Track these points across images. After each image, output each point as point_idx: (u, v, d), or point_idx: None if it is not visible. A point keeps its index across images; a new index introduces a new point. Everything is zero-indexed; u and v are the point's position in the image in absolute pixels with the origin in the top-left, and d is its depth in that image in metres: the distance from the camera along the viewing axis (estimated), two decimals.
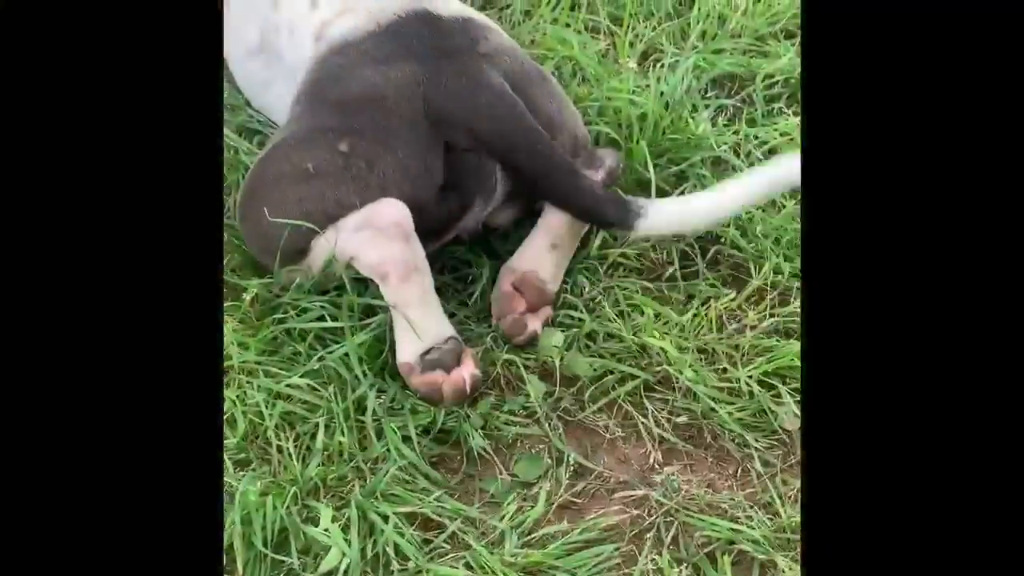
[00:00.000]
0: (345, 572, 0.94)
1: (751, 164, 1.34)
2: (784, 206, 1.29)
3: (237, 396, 1.06)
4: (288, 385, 1.07)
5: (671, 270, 1.22)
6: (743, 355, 1.14)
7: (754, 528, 1.00)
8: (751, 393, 1.10)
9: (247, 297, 1.12)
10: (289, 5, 1.24)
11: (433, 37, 1.14)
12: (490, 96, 1.11)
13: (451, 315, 1.16)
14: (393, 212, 1.06)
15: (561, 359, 1.13)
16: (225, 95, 1.43)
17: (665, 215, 1.12)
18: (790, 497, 1.03)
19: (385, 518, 0.97)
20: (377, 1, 1.17)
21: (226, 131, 1.36)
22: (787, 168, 1.12)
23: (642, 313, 1.17)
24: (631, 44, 1.52)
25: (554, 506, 1.02)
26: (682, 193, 1.28)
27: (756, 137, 1.39)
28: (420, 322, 1.08)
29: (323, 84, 1.14)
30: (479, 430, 1.07)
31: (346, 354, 1.08)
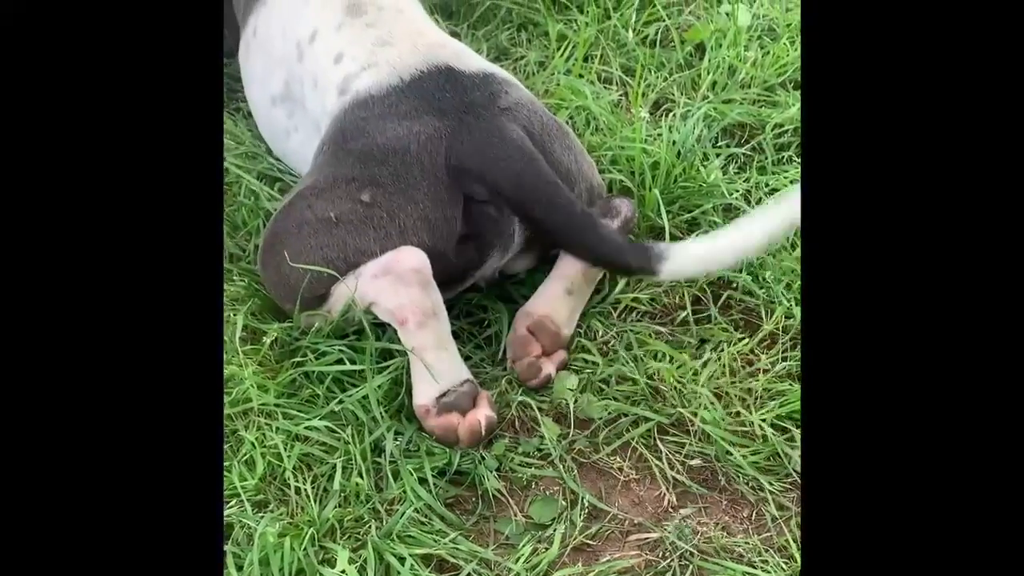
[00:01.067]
0: None
1: None
2: (795, 250, 1.30)
3: (256, 438, 1.07)
4: (307, 427, 1.08)
5: (683, 314, 1.23)
6: (756, 399, 1.15)
7: (769, 572, 1.00)
8: (765, 437, 1.10)
9: (267, 341, 1.15)
10: (314, 58, 1.28)
11: (455, 92, 1.17)
12: (509, 150, 1.13)
13: (467, 358, 1.17)
14: (412, 259, 1.08)
15: (575, 402, 1.14)
16: (247, 143, 1.48)
17: (691, 257, 1.12)
18: None
19: (401, 559, 0.98)
20: (400, 57, 1.21)
21: (248, 177, 1.40)
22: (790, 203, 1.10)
23: (655, 357, 1.18)
24: (643, 94, 1.55)
25: (569, 548, 1.02)
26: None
27: (767, 185, 1.41)
28: (436, 366, 1.09)
29: (347, 135, 1.17)
30: (494, 472, 1.08)
31: (364, 397, 1.10)
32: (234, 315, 1.18)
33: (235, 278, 1.26)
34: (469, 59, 1.24)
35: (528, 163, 1.13)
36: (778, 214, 1.10)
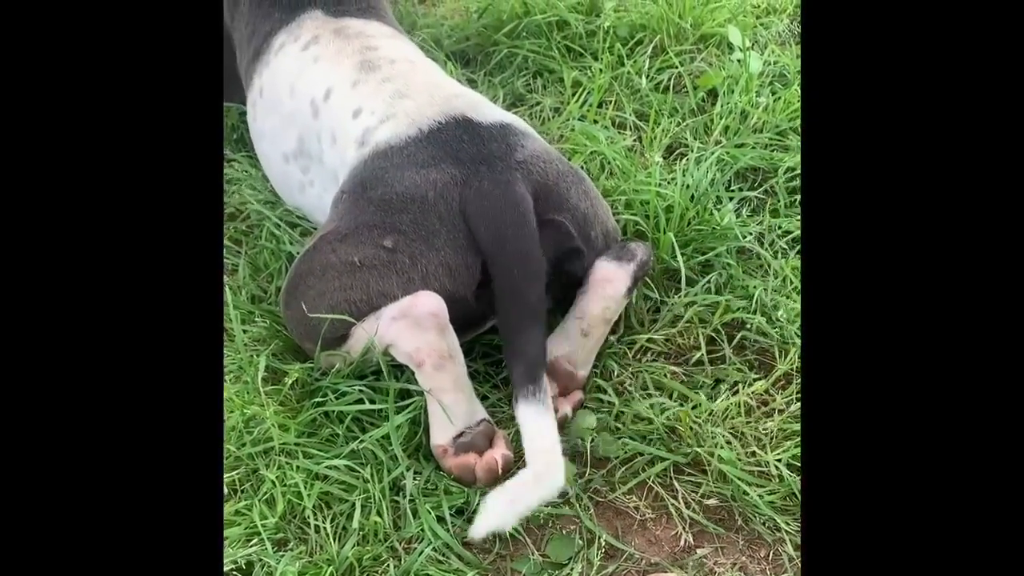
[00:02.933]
0: None
1: (775, 253, 1.38)
2: None
3: (277, 476, 1.09)
4: (327, 466, 1.10)
5: (698, 355, 1.25)
6: (772, 439, 1.16)
7: None
8: (781, 477, 1.11)
9: (288, 381, 1.16)
10: (331, 114, 1.31)
11: (472, 143, 1.19)
12: (505, 207, 1.14)
13: (484, 398, 1.19)
14: (430, 303, 1.10)
15: (592, 441, 1.15)
16: (267, 191, 1.51)
17: (533, 425, 1.06)
18: None
19: None
20: (418, 108, 1.24)
21: (269, 222, 1.43)
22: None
23: (671, 396, 1.19)
24: (657, 139, 1.58)
25: None
26: (709, 283, 1.31)
27: (779, 227, 1.43)
28: (453, 407, 1.11)
29: (367, 185, 1.20)
30: None
31: (384, 436, 1.11)
32: (256, 356, 1.20)
33: (257, 319, 1.28)
34: (486, 109, 1.27)
35: (513, 225, 1.13)
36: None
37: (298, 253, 1.36)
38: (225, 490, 1.10)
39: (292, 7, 1.43)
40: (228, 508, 1.07)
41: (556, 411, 1.17)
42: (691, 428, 1.15)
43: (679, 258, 1.30)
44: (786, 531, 1.07)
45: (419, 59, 1.39)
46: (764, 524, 1.09)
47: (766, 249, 1.39)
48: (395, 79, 1.30)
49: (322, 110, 1.33)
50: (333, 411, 1.15)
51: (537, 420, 1.06)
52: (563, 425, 1.17)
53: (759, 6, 2.00)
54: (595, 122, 1.62)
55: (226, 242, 1.44)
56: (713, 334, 1.27)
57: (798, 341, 1.24)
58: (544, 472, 1.02)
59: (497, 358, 1.26)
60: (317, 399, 1.17)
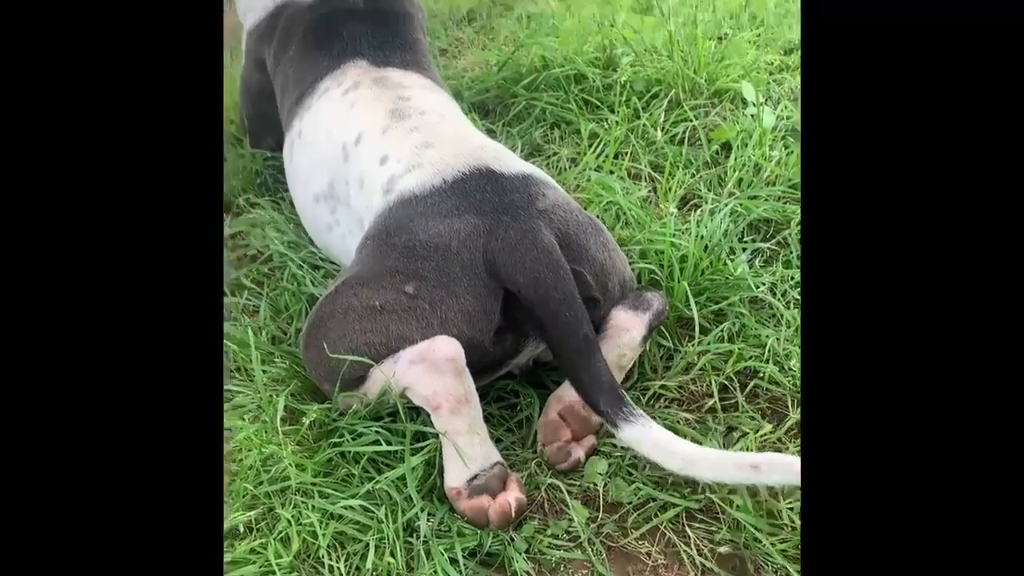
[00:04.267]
0: None
1: (788, 304, 1.40)
2: None
3: (292, 515, 1.10)
4: (342, 506, 1.11)
5: (711, 402, 1.26)
6: (784, 487, 1.16)
7: None
8: (793, 525, 1.11)
9: (306, 421, 1.18)
10: (360, 159, 1.35)
11: (495, 192, 1.22)
12: (537, 253, 1.16)
13: (498, 441, 1.20)
14: (448, 348, 1.12)
15: (604, 485, 1.16)
16: (290, 232, 1.55)
17: (647, 440, 1.09)
18: None
19: None
20: (443, 158, 1.27)
21: (292, 264, 1.46)
22: (784, 467, 1.04)
23: None
24: (671, 190, 1.61)
25: None
26: (722, 332, 1.33)
27: (792, 278, 1.45)
28: (468, 450, 1.12)
29: (391, 231, 1.23)
30: (523, 553, 1.09)
31: (399, 477, 1.12)
32: (276, 396, 1.22)
33: (276, 360, 1.31)
34: (509, 161, 1.31)
35: (550, 270, 1.16)
36: (752, 461, 1.05)
37: (320, 295, 1.39)
38: (240, 528, 1.11)
39: (339, 55, 1.48)
40: (243, 546, 1.08)
41: (569, 455, 1.19)
42: None
43: (693, 307, 1.32)
44: None
45: (450, 111, 1.43)
46: (776, 573, 1.09)
47: (778, 299, 1.40)
48: (423, 129, 1.34)
49: (352, 155, 1.37)
50: (349, 451, 1.17)
51: (652, 432, 1.09)
52: (576, 469, 1.19)
53: (772, 63, 2.04)
54: (611, 173, 1.65)
55: (248, 283, 1.47)
56: (726, 382, 1.28)
57: None
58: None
59: (512, 401, 1.28)
60: (334, 439, 1.18)
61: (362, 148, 1.35)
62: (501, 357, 1.20)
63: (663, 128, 1.78)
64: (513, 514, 1.11)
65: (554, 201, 1.24)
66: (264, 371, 1.27)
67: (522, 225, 1.18)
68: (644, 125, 1.78)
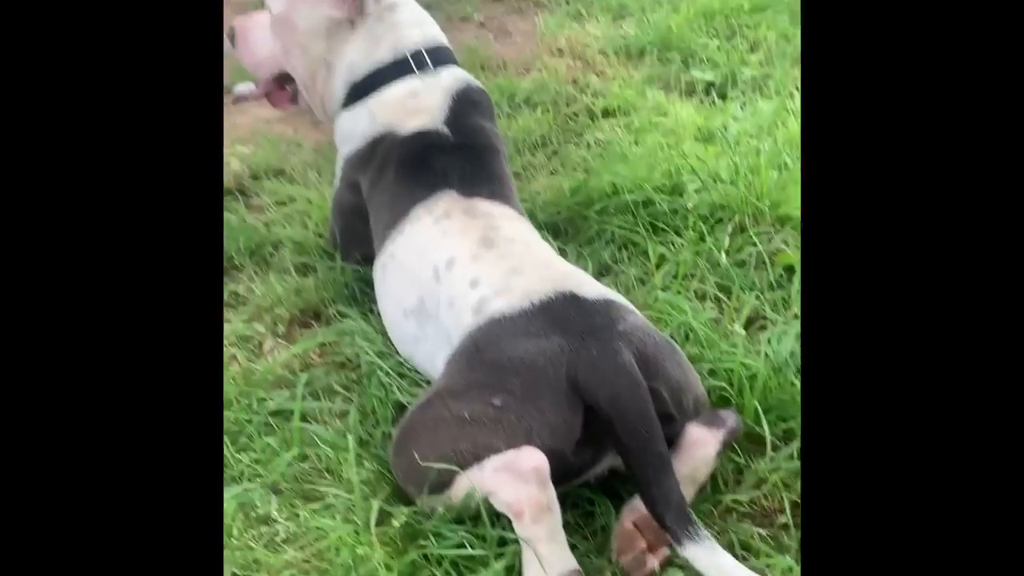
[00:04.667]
0: None
1: None
2: None
3: None
4: None
5: (783, 519, 1.30)
6: None
7: None
8: None
9: (396, 523, 1.25)
10: (451, 281, 1.47)
11: (578, 316, 1.32)
12: (618, 372, 1.24)
13: (573, 547, 1.24)
14: (533, 459, 1.19)
15: None
16: (379, 342, 1.64)
17: (710, 563, 1.14)
18: None
19: None
20: (530, 284, 1.38)
21: (380, 372, 1.55)
22: None
23: (757, 556, 1.24)
24: (738, 311, 1.68)
25: None
26: (792, 450, 1.37)
27: None
28: (547, 556, 1.18)
29: (481, 348, 1.33)
30: None
31: None
32: (370, 498, 1.29)
33: (365, 463, 1.38)
34: (591, 287, 1.41)
35: (629, 388, 1.23)
36: None
37: (406, 402, 1.48)
38: None
39: (431, 185, 1.61)
40: None
41: (644, 565, 1.23)
42: None
43: (764, 424, 1.37)
44: None
45: (535, 240, 1.56)
46: None
47: None
48: (511, 257, 1.45)
49: (443, 277, 1.48)
50: (434, 554, 1.23)
51: (716, 557, 1.14)
52: None
53: None
54: (679, 293, 1.73)
55: (338, 387, 1.56)
56: (797, 499, 1.32)
57: None
58: None
59: (588, 509, 1.33)
60: (419, 541, 1.24)
61: (454, 272, 1.47)
62: (580, 467, 1.27)
63: (728, 252, 1.86)
64: None
65: (633, 324, 1.33)
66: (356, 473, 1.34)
67: (604, 346, 1.26)
68: (710, 248, 1.87)
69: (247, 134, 2.58)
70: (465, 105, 1.73)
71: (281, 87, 1.91)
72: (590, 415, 1.24)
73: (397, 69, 1.72)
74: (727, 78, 2.86)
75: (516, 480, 1.19)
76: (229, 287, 1.85)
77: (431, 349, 1.49)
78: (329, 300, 1.79)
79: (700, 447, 1.29)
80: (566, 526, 1.26)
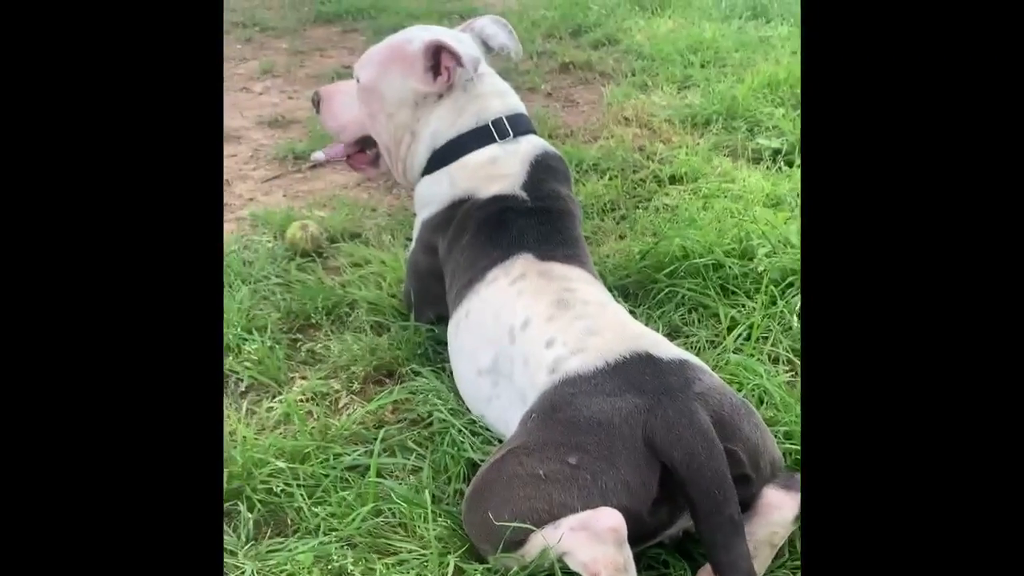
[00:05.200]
0: None
1: None
2: None
3: None
4: None
5: None
6: None
7: None
8: None
9: None
10: (526, 341, 1.49)
11: (654, 376, 1.33)
12: (694, 432, 1.24)
13: None
14: (610, 519, 1.19)
15: None
16: (452, 400, 1.67)
17: None
18: None
19: None
20: (606, 344, 1.40)
21: (453, 429, 1.57)
22: None
23: None
24: None
25: None
26: None
27: None
28: None
29: (556, 407, 1.34)
30: None
31: None
32: (445, 555, 1.29)
33: (439, 519, 1.39)
34: (666, 348, 1.42)
35: (705, 449, 1.23)
36: None
37: (478, 460, 1.49)
38: None
39: (508, 248, 1.65)
40: None
41: None
42: None
43: None
44: None
45: (609, 302, 1.58)
46: None
47: None
48: (586, 318, 1.47)
49: (518, 337, 1.50)
50: None
51: None
52: None
53: None
54: (751, 355, 1.73)
55: (411, 444, 1.58)
56: None
57: None
58: None
59: (662, 572, 1.32)
60: None
61: (529, 332, 1.49)
62: (656, 528, 1.26)
63: (799, 315, 1.85)
64: None
65: (709, 385, 1.33)
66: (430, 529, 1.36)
67: (680, 405, 1.27)
68: (782, 311, 1.87)
69: (324, 199, 2.68)
70: (542, 171, 1.78)
71: (362, 151, 1.98)
72: (666, 475, 1.24)
73: (479, 137, 1.78)
74: (793, 146, 2.88)
75: (593, 540, 1.18)
76: (306, 345, 1.90)
77: (504, 407, 1.51)
78: (403, 359, 1.82)
79: (777, 510, 1.27)
80: None
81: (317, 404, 1.71)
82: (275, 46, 4.61)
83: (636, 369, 1.34)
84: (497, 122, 1.79)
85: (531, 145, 1.81)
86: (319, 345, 1.90)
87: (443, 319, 1.79)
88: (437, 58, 1.74)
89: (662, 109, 3.31)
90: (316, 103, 1.97)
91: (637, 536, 1.24)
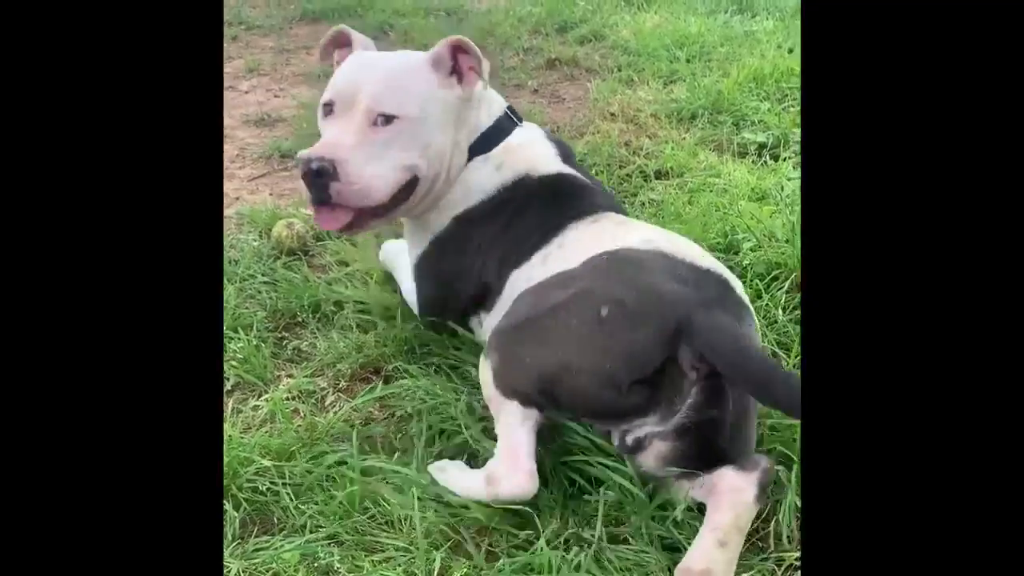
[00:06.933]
0: None
1: None
2: None
3: None
4: None
5: None
6: None
7: None
8: None
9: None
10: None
11: (719, 292, 1.44)
12: (733, 331, 1.29)
13: None
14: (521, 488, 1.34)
15: None
16: (437, 398, 1.66)
17: None
18: None
19: None
20: (696, 255, 1.52)
21: (439, 424, 1.56)
22: None
23: None
24: (796, 367, 1.67)
25: None
26: None
27: None
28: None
29: (631, 262, 1.46)
30: None
31: None
32: (432, 550, 1.29)
33: (426, 515, 1.39)
34: (738, 288, 1.52)
35: (735, 341, 1.28)
36: None
37: (467, 455, 1.49)
38: None
39: (582, 211, 1.72)
40: None
41: None
42: None
43: None
44: None
45: (664, 233, 1.66)
46: None
47: None
48: (658, 242, 1.55)
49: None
50: None
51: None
52: None
53: None
54: None
55: (397, 442, 1.58)
56: None
57: None
58: None
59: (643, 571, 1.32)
60: None
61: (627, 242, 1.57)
62: (628, 409, 1.34)
63: (785, 308, 1.86)
64: None
65: (753, 336, 1.44)
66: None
67: (727, 311, 1.36)
68: (767, 305, 1.87)
69: None
70: (561, 147, 1.86)
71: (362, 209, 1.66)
72: (667, 364, 1.30)
73: (506, 123, 1.83)
74: (779, 140, 2.89)
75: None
76: (293, 343, 1.89)
77: None
78: (389, 356, 1.82)
79: (738, 493, 1.29)
80: None
81: (303, 402, 1.70)
82: (261, 44, 4.60)
83: (707, 280, 1.45)
84: (509, 108, 1.86)
85: (536, 128, 1.89)
86: (305, 343, 1.89)
87: (458, 320, 1.80)
88: (455, 61, 1.72)
89: (648, 104, 3.32)
90: (322, 171, 1.57)
91: (608, 412, 1.34)
